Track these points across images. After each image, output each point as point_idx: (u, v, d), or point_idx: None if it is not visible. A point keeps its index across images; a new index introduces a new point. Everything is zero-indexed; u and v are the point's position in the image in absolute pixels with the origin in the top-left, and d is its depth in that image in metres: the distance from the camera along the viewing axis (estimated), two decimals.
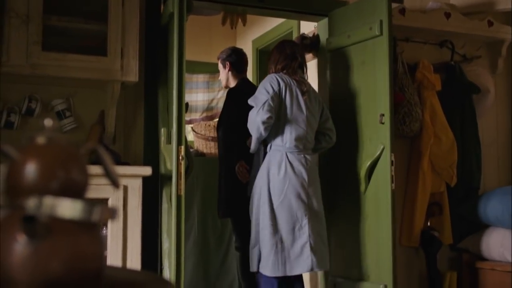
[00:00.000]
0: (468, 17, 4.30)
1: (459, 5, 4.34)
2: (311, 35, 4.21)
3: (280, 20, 4.95)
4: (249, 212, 3.54)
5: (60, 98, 3.39)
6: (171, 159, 3.19)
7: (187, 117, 5.40)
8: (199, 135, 4.91)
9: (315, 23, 4.18)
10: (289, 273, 3.34)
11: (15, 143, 0.87)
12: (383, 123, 3.45)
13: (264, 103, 3.32)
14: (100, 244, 0.86)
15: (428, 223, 4.04)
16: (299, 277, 3.51)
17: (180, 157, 3.15)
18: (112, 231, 3.01)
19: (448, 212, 4.07)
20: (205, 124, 5.04)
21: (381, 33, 3.50)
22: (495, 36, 4.38)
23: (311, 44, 4.14)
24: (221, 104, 5.79)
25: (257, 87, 3.63)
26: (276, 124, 3.41)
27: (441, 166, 4.03)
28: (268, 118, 3.30)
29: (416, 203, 3.97)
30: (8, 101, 3.28)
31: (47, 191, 0.82)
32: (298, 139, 3.43)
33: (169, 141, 3.30)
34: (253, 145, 3.46)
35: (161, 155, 3.44)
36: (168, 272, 3.20)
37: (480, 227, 4.11)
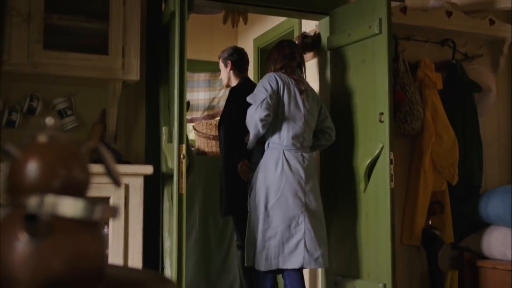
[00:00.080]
0: (470, 15, 4.29)
1: (460, 4, 4.33)
2: (312, 33, 4.20)
3: (282, 19, 4.94)
4: (248, 208, 3.58)
5: (62, 96, 3.39)
6: (172, 158, 3.19)
7: (188, 115, 5.40)
8: (200, 133, 4.91)
9: (317, 22, 4.18)
10: (281, 266, 3.39)
11: (17, 142, 0.87)
12: (382, 122, 3.45)
13: (263, 100, 3.37)
14: (102, 242, 0.86)
15: (430, 222, 4.03)
16: (297, 271, 3.51)
17: (182, 156, 3.15)
18: (113, 230, 3.01)
19: (450, 210, 4.07)
20: (206, 123, 5.04)
21: (380, 32, 3.50)
22: (497, 35, 4.37)
23: (312, 42, 4.13)
24: (222, 103, 5.79)
25: None
26: (274, 122, 3.46)
27: (442, 165, 4.02)
28: (266, 116, 3.35)
29: (417, 201, 3.97)
30: (9, 100, 3.28)
31: (48, 190, 0.82)
32: (295, 137, 3.48)
33: (170, 139, 3.30)
34: (250, 142, 3.50)
35: (163, 154, 3.44)
36: (170, 270, 3.20)
37: (482, 225, 4.11)
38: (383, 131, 3.46)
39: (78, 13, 3.30)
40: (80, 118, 3.43)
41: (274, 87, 3.44)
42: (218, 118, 5.41)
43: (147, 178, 3.14)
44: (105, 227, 3.00)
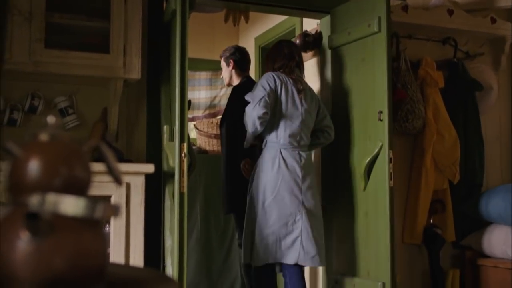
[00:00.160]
0: (471, 14, 4.29)
1: (461, 2, 4.33)
2: (313, 32, 4.20)
3: (283, 17, 4.94)
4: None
5: (63, 95, 3.39)
6: (173, 157, 3.19)
7: (189, 114, 5.39)
8: (201, 132, 4.91)
9: (318, 20, 4.18)
10: (277, 260, 3.44)
11: (18, 141, 0.87)
12: (381, 120, 3.45)
13: (261, 99, 3.42)
14: (103, 241, 0.86)
15: (431, 221, 4.03)
16: (296, 267, 3.52)
17: (183, 155, 3.15)
18: (115, 228, 3.02)
19: (451, 209, 4.07)
20: (208, 122, 5.04)
21: (380, 30, 3.50)
22: (498, 33, 4.37)
23: (314, 41, 4.13)
24: (223, 102, 5.79)
25: None
26: (271, 121, 3.51)
27: (444, 164, 4.02)
28: (263, 114, 3.41)
29: (419, 200, 3.97)
30: (11, 99, 3.28)
31: (50, 188, 0.82)
32: (292, 136, 3.52)
33: (171, 138, 3.30)
34: (247, 140, 3.55)
35: (164, 153, 3.44)
36: (171, 269, 3.20)
37: (483, 224, 4.11)
38: (382, 129, 3.46)
39: (79, 12, 3.29)
40: (82, 117, 3.43)
41: (272, 86, 3.49)
42: (219, 117, 5.41)
43: (148, 176, 3.14)
44: (107, 225, 3.00)
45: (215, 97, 5.92)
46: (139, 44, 3.27)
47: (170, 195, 3.32)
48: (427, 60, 4.09)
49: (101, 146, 0.92)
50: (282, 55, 3.67)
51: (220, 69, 4.44)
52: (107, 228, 3.00)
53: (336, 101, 3.91)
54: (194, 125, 5.15)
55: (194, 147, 4.43)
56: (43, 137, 0.87)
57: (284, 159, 3.49)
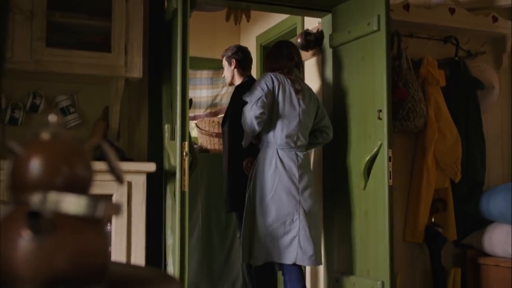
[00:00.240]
0: (473, 12, 4.28)
1: (463, 1, 4.32)
2: (315, 31, 4.20)
3: (284, 16, 4.94)
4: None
5: (64, 94, 3.39)
6: (175, 155, 3.19)
7: (191, 113, 5.38)
8: (203, 131, 4.91)
9: (319, 19, 4.18)
10: (276, 260, 3.47)
11: (20, 139, 0.87)
12: (380, 119, 3.45)
13: (258, 99, 3.47)
14: (105, 240, 0.86)
15: (432, 219, 4.03)
16: (295, 267, 3.53)
17: (184, 153, 3.15)
18: (116, 227, 3.02)
19: (452, 208, 4.06)
20: (209, 120, 5.04)
21: (379, 29, 3.49)
22: (500, 32, 4.37)
23: (315, 40, 4.13)
24: (225, 100, 5.79)
25: None
26: (269, 121, 3.55)
27: (445, 162, 4.02)
28: (261, 114, 3.45)
29: (420, 199, 3.97)
30: (12, 98, 3.29)
31: (51, 187, 0.83)
32: (289, 136, 3.56)
33: (173, 137, 3.30)
34: (245, 139, 3.58)
35: (165, 151, 3.45)
36: (172, 268, 3.20)
37: (484, 223, 4.10)
38: (382, 128, 3.46)
39: (80, 11, 3.30)
40: (83, 116, 3.44)
41: (270, 86, 3.53)
42: (221, 115, 5.41)
43: (149, 175, 3.14)
44: (108, 224, 3.00)
45: (216, 96, 5.92)
46: (141, 43, 3.27)
47: (172, 194, 3.33)
48: (428, 58, 4.09)
49: (103, 145, 0.92)
50: (281, 56, 3.70)
51: (221, 68, 4.44)
52: (109, 227, 3.00)
53: (336, 100, 3.91)
54: (196, 124, 5.15)
55: (195, 146, 4.43)
56: (45, 135, 0.87)
57: (281, 159, 3.52)
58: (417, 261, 4.08)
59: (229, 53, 4.25)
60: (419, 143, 4.07)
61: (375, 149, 3.48)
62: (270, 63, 3.74)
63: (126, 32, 3.24)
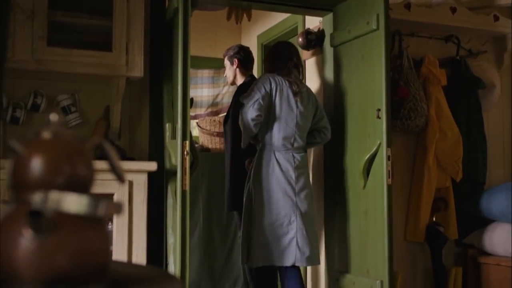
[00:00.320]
0: (474, 11, 4.28)
1: (464, 0, 4.32)
2: (316, 30, 4.20)
3: (285, 15, 4.94)
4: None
5: (66, 93, 3.40)
6: (176, 155, 3.19)
7: (192, 112, 5.39)
8: (204, 130, 4.91)
9: (320, 18, 4.17)
10: (275, 263, 3.48)
11: (21, 139, 0.87)
12: (379, 118, 3.45)
13: (255, 101, 3.50)
14: (106, 239, 0.86)
15: (434, 219, 4.03)
16: (294, 269, 3.56)
17: (185, 152, 3.15)
18: (117, 226, 3.02)
19: (454, 207, 4.06)
20: (210, 120, 5.04)
21: (378, 28, 3.49)
22: (501, 31, 4.36)
23: (316, 39, 4.13)
24: (226, 100, 5.79)
25: None
26: (266, 123, 3.57)
27: (446, 161, 4.02)
28: (257, 116, 3.49)
29: (421, 198, 3.97)
30: (13, 97, 3.29)
31: (52, 186, 0.83)
32: (286, 138, 3.58)
33: (174, 136, 3.30)
34: (243, 141, 3.60)
35: (166, 151, 3.45)
36: (173, 267, 3.20)
37: (486, 222, 4.10)
38: (381, 127, 3.45)
39: (81, 10, 3.30)
40: (84, 115, 3.44)
41: (268, 88, 3.55)
42: (222, 115, 5.41)
43: (151, 174, 3.14)
44: (109, 223, 3.00)
45: (217, 95, 5.92)
46: (142, 42, 3.27)
47: (173, 193, 3.33)
48: (429, 58, 4.09)
49: (104, 144, 0.92)
50: (280, 57, 3.71)
51: (222, 67, 4.44)
52: (110, 226, 3.00)
53: (337, 100, 3.91)
54: (197, 123, 5.15)
55: (196, 145, 4.43)
56: (46, 135, 0.87)
57: (278, 161, 3.55)
58: (418, 260, 4.08)
59: (231, 53, 4.25)
60: (420, 142, 4.07)
61: (374, 148, 3.48)
62: (269, 64, 3.76)
63: (127, 31, 3.24)
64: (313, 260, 3.56)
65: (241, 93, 4.14)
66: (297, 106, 3.61)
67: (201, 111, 5.86)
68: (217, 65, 5.70)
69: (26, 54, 3.05)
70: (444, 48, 4.27)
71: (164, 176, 3.50)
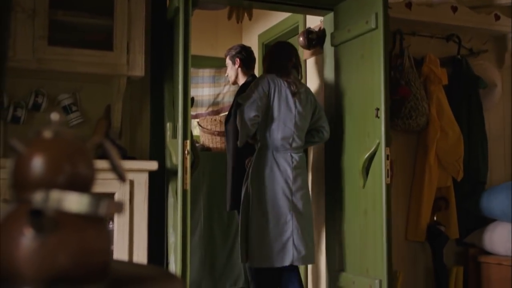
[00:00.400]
0: (475, 10, 4.28)
1: None
2: (317, 29, 4.19)
3: (286, 15, 4.93)
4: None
5: (67, 92, 3.40)
6: (176, 154, 3.19)
7: (193, 111, 5.39)
8: (205, 129, 4.91)
9: (321, 18, 4.17)
10: (273, 265, 3.50)
11: (22, 138, 0.87)
12: (378, 118, 3.45)
13: (253, 102, 3.53)
14: (107, 238, 0.86)
15: (435, 218, 4.03)
16: (292, 269, 3.59)
17: (186, 152, 3.15)
18: (118, 225, 3.02)
19: (455, 206, 4.06)
20: (211, 119, 5.04)
21: (377, 27, 3.48)
22: (502, 30, 4.36)
23: (317, 38, 4.13)
24: (227, 99, 5.79)
25: None
26: (265, 123, 3.59)
27: (447, 161, 4.01)
28: (254, 116, 3.52)
29: (422, 197, 3.97)
30: (14, 96, 3.29)
31: (53, 185, 0.83)
32: (284, 138, 3.59)
33: (174, 135, 3.30)
34: (240, 140, 3.62)
35: (167, 150, 3.45)
36: (174, 266, 3.20)
37: (487, 221, 4.10)
38: (379, 126, 3.45)
39: (82, 9, 3.30)
40: (85, 114, 3.44)
41: (266, 89, 3.57)
42: (223, 114, 5.41)
43: (151, 174, 3.14)
44: (110, 222, 3.00)
45: (218, 95, 5.92)
46: (143, 41, 3.27)
47: (173, 192, 3.33)
48: (430, 57, 4.08)
49: (105, 143, 0.92)
50: (279, 57, 3.72)
51: (223, 66, 4.44)
52: (111, 225, 3.00)
53: (338, 99, 3.91)
54: (198, 122, 5.15)
55: (197, 145, 4.43)
56: (47, 134, 0.87)
57: (276, 161, 3.57)
58: (419, 260, 4.08)
59: (233, 52, 4.26)
60: (421, 141, 4.07)
61: (373, 148, 3.48)
62: (268, 64, 3.77)
63: (128, 30, 3.24)
64: (307, 259, 3.59)
65: (243, 93, 4.15)
66: (295, 107, 3.62)
67: (202, 110, 5.86)
68: (218, 64, 5.70)
69: (27, 53, 3.05)
70: (445, 47, 4.27)
71: (165, 175, 3.50)
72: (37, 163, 0.83)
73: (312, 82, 4.32)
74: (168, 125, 3.40)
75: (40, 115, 3.32)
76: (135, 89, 3.55)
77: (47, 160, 0.84)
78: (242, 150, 3.91)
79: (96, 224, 0.83)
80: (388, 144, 3.41)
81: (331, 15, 4.00)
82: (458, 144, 4.04)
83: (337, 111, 3.87)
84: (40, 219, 0.78)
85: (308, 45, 4.15)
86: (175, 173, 3.23)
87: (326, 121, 3.79)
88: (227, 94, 5.83)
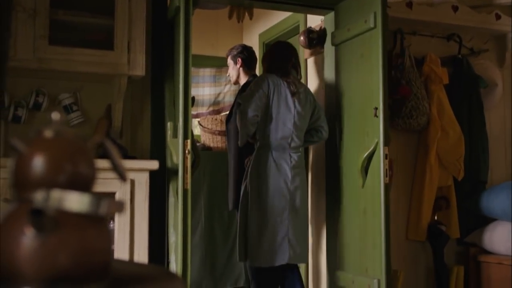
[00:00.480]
0: (476, 10, 4.27)
1: None
2: (317, 29, 4.19)
3: (287, 14, 4.93)
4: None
5: (67, 92, 3.40)
6: (177, 153, 3.19)
7: (193, 111, 5.39)
8: (205, 129, 4.91)
9: (322, 17, 4.17)
10: (271, 264, 3.52)
11: (23, 137, 0.87)
12: (377, 117, 3.45)
13: (252, 101, 3.53)
14: (108, 237, 0.86)
15: (435, 217, 4.03)
16: (293, 269, 3.62)
17: (187, 151, 3.15)
18: (119, 225, 3.02)
19: (455, 206, 4.06)
20: (212, 118, 5.04)
21: (375, 26, 3.48)
22: (503, 30, 4.36)
23: (318, 38, 4.12)
24: (227, 99, 5.78)
25: None
26: (264, 123, 3.60)
27: (448, 160, 4.01)
28: (253, 116, 3.53)
29: (423, 197, 3.97)
30: (15, 96, 3.29)
31: (54, 185, 0.83)
32: (283, 138, 3.61)
33: (175, 135, 3.30)
34: (240, 140, 3.62)
35: (168, 149, 3.45)
36: (175, 265, 3.21)
37: (487, 221, 4.10)
38: (378, 126, 3.45)
39: (83, 9, 3.30)
40: (86, 114, 3.44)
41: (265, 89, 3.58)
42: (224, 113, 5.41)
43: (152, 173, 3.14)
44: (111, 222, 3.00)
45: (219, 94, 5.92)
46: (143, 41, 3.27)
47: (174, 192, 3.33)
48: (431, 56, 4.08)
49: (106, 143, 0.92)
50: (279, 57, 3.73)
51: (224, 65, 4.44)
52: (111, 225, 3.01)
53: (338, 98, 3.90)
54: (198, 121, 5.15)
55: (198, 144, 4.43)
56: (48, 133, 0.87)
57: (275, 161, 3.58)
58: (420, 259, 4.08)
59: (235, 52, 4.26)
60: (422, 141, 4.07)
61: (372, 147, 3.48)
62: (267, 64, 3.77)
63: (129, 30, 3.24)
64: (301, 258, 3.61)
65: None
66: (294, 107, 3.63)
67: (202, 109, 5.86)
68: (218, 63, 5.70)
69: (27, 53, 3.05)
70: (446, 46, 4.27)
71: (166, 174, 3.50)
72: (38, 163, 0.84)
73: (313, 82, 4.32)
74: (169, 125, 3.40)
75: (41, 115, 3.33)
76: (136, 88, 3.55)
77: (48, 159, 0.84)
78: (243, 149, 3.91)
79: (97, 223, 0.84)
80: (386, 143, 3.41)
81: (331, 14, 4.00)
82: (459, 144, 4.03)
83: (338, 111, 3.87)
84: (41, 218, 0.78)
85: (309, 45, 4.15)
86: (175, 172, 3.23)
87: (325, 121, 3.80)
88: (228, 93, 5.83)
